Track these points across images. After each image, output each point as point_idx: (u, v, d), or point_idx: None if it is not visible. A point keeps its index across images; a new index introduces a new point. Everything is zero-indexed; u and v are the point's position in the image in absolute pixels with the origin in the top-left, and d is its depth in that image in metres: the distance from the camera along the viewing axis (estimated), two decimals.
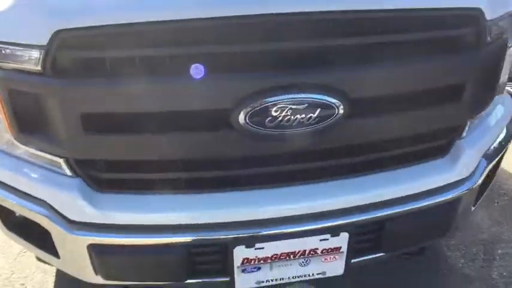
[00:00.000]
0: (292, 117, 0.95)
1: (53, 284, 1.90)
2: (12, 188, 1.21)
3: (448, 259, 1.96)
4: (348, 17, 0.98)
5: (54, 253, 1.23)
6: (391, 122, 1.09)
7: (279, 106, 0.93)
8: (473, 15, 1.06)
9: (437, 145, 1.22)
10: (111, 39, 0.94)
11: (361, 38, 0.99)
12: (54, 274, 1.95)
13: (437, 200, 1.20)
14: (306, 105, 0.95)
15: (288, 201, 1.10)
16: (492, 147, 1.37)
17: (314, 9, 0.95)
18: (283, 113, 0.94)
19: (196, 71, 0.91)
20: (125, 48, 0.94)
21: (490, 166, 1.33)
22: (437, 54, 1.06)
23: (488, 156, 1.33)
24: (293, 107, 0.94)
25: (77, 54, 0.95)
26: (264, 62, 0.94)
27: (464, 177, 1.24)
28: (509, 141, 1.46)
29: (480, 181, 1.28)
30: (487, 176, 1.45)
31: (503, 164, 2.70)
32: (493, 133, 1.36)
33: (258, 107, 0.93)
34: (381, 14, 1.00)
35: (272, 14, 0.91)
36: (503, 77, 1.40)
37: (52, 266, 1.73)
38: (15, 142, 1.15)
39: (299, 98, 0.94)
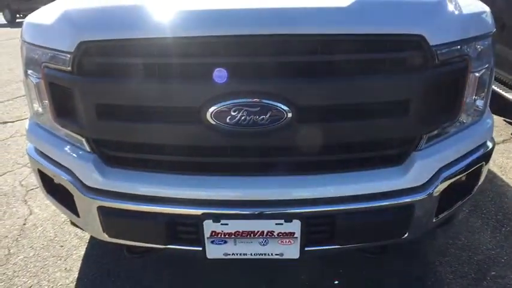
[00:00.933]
0: (247, 117, 1.19)
1: (84, 248, 2.28)
2: (50, 158, 1.58)
3: (436, 273, 2.04)
4: (304, 39, 1.21)
5: (76, 213, 1.56)
6: (338, 130, 1.28)
7: (236, 107, 1.18)
8: (416, 41, 1.23)
9: (390, 154, 1.38)
10: (116, 49, 1.26)
11: (313, 56, 1.21)
12: (87, 241, 2.33)
13: (386, 203, 1.35)
14: (258, 108, 1.18)
15: (247, 188, 1.33)
16: (458, 164, 1.49)
17: (273, 32, 1.19)
18: (240, 113, 1.19)
19: None
20: (126, 56, 1.25)
21: (450, 181, 1.44)
22: (382, 73, 1.24)
23: (449, 171, 1.45)
24: (248, 109, 1.18)
25: (94, 59, 1.28)
26: (219, 78, 1.19)
27: (414, 186, 1.38)
28: (479, 162, 1.55)
29: (434, 193, 1.40)
30: (456, 192, 1.56)
31: None
32: (456, 150, 1.47)
33: (220, 107, 1.19)
34: (333, 38, 1.21)
35: (234, 35, 1.17)
36: (474, 99, 1.52)
37: (82, 230, 2.11)
38: (55, 124, 1.51)
39: (251, 102, 1.18)
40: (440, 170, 1.43)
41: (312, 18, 1.21)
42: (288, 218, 1.32)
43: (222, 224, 1.34)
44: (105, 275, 2.06)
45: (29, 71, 1.57)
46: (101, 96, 1.31)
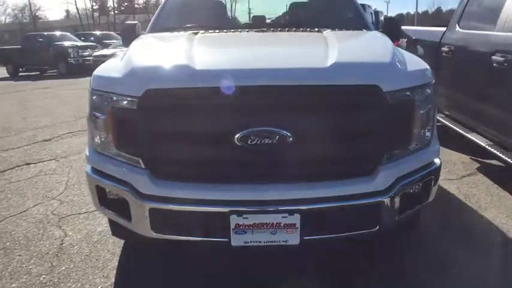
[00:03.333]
0: (262, 140, 1.76)
1: (117, 260, 2.71)
2: (111, 176, 2.09)
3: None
4: (299, 89, 1.81)
5: (128, 218, 2.05)
6: (325, 151, 1.86)
7: (254, 134, 1.76)
8: (372, 89, 1.83)
9: (362, 168, 1.94)
10: (171, 94, 1.84)
11: (305, 99, 1.81)
12: (119, 255, 2.77)
13: (362, 202, 1.89)
14: (269, 134, 1.76)
15: (262, 191, 1.87)
16: (412, 176, 2.04)
17: (275, 83, 1.80)
18: (257, 137, 1.76)
19: None
20: (178, 100, 1.84)
21: (406, 187, 1.99)
22: (351, 112, 1.84)
23: (405, 181, 2.00)
24: (262, 134, 1.76)
25: (154, 101, 1.85)
26: (246, 111, 1.79)
27: (380, 190, 1.92)
28: (428, 176, 2.11)
29: (395, 196, 1.93)
30: (413, 198, 2.11)
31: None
32: (409, 166, 2.02)
33: (244, 133, 1.77)
34: (319, 88, 1.82)
35: (253, 85, 1.77)
36: (422, 131, 2.10)
37: (121, 239, 2.58)
38: (116, 149, 2.06)
39: (264, 129, 1.76)
40: (398, 179, 1.98)
41: (305, 74, 1.83)
42: (291, 212, 1.84)
43: (243, 218, 1.85)
44: (139, 278, 2.49)
45: (95, 112, 2.13)
46: (158, 128, 1.87)
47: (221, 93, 1.80)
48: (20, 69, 19.34)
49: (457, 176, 4.15)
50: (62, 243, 2.97)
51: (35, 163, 4.91)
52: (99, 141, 2.17)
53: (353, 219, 1.94)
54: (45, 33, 19.87)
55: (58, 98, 10.68)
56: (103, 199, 2.20)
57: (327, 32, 2.70)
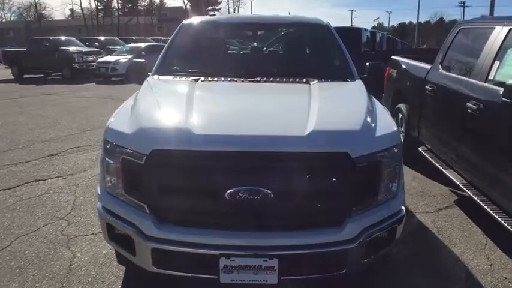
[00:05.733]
0: (248, 196, 2.11)
1: (121, 283, 3.04)
2: (119, 216, 2.44)
3: None
4: (281, 155, 2.17)
5: (133, 253, 2.40)
6: (300, 205, 2.21)
7: (242, 191, 2.11)
8: (342, 155, 2.18)
9: (333, 220, 2.28)
10: (173, 154, 2.19)
11: (284, 163, 2.17)
12: (122, 278, 3.10)
13: (331, 249, 2.24)
14: (254, 191, 2.11)
15: (247, 238, 2.21)
16: (377, 226, 2.39)
17: (260, 150, 2.15)
18: (244, 194, 2.11)
19: None
20: (179, 159, 2.19)
21: (371, 236, 2.33)
22: (321, 174, 2.19)
23: (371, 230, 2.34)
24: (248, 192, 2.11)
25: (159, 158, 2.20)
26: (236, 172, 2.14)
27: (347, 239, 2.26)
28: (393, 224, 2.46)
29: (360, 244, 2.27)
30: (379, 243, 2.45)
31: None
32: (376, 217, 2.36)
33: (233, 191, 2.11)
34: (296, 154, 2.17)
35: (240, 151, 2.13)
36: (389, 186, 2.45)
37: (127, 267, 2.91)
38: (124, 194, 2.40)
39: (250, 188, 2.11)
40: (364, 230, 2.32)
41: (286, 142, 2.19)
42: (270, 257, 2.19)
43: (231, 260, 2.20)
44: None
45: (107, 158, 2.48)
46: (162, 181, 2.22)
47: (215, 156, 2.16)
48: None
49: (435, 208, 4.47)
50: (71, 264, 3.30)
51: (44, 180, 5.24)
52: (109, 184, 2.51)
53: (323, 263, 2.29)
54: (51, 38, 20.24)
55: (62, 106, 11.06)
56: (112, 234, 2.54)
57: (314, 84, 3.07)
